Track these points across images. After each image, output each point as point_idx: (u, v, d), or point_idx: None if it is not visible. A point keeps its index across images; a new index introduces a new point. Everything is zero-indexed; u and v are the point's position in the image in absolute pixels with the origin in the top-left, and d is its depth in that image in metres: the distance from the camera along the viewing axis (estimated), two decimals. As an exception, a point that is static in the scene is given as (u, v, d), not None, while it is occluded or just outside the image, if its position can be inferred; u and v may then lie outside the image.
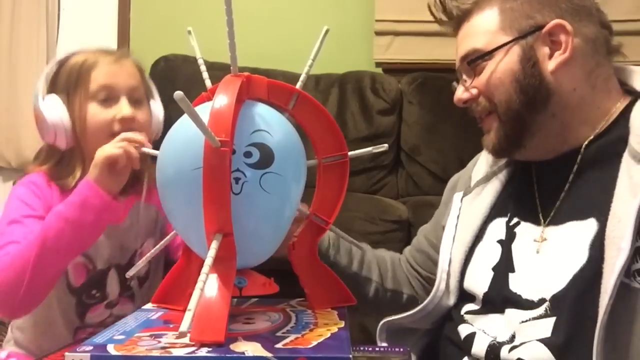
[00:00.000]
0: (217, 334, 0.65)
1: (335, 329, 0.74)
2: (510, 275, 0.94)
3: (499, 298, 0.94)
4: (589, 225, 0.87)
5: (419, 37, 2.49)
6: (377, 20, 2.50)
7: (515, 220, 1.00)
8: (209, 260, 0.67)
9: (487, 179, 1.09)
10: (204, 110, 0.72)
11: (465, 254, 1.04)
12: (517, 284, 0.93)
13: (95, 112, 1.17)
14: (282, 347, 0.65)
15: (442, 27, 1.06)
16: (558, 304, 0.85)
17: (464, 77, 1.01)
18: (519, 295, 0.91)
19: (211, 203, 0.68)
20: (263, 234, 0.77)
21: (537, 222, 0.96)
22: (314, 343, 0.67)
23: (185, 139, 0.74)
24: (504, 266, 0.96)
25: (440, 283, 1.05)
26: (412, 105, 2.34)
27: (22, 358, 1.21)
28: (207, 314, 0.67)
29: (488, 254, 1.00)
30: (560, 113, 0.94)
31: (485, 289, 0.97)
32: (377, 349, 0.90)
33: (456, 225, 1.09)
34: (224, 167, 0.68)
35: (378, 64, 2.55)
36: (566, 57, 0.93)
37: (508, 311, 0.91)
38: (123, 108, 1.18)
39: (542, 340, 0.84)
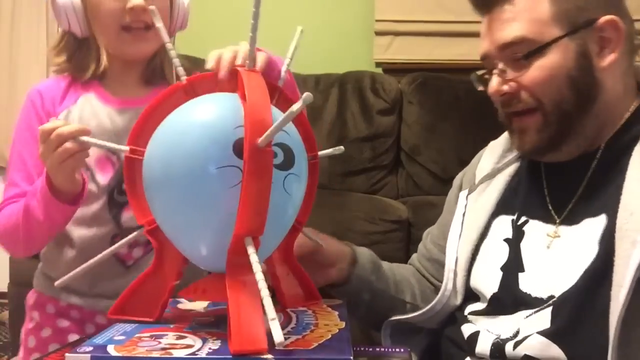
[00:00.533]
0: (259, 342, 0.64)
1: (335, 330, 0.74)
2: (520, 275, 0.92)
3: (510, 299, 0.92)
4: (599, 221, 0.86)
5: (419, 37, 2.50)
6: (377, 20, 2.51)
7: (523, 218, 0.97)
8: (257, 266, 0.64)
9: (492, 175, 1.06)
10: (207, 103, 0.72)
11: (472, 252, 1.02)
12: (526, 283, 0.91)
13: (102, 1, 1.08)
14: (282, 348, 0.64)
15: (472, 4, 0.97)
16: (565, 298, 0.84)
17: (501, 66, 0.93)
18: (529, 295, 0.89)
19: (249, 205, 0.66)
20: (273, 236, 0.75)
21: (548, 220, 0.94)
22: (315, 345, 0.66)
23: (203, 135, 0.69)
24: (514, 266, 0.94)
25: (447, 283, 1.02)
26: (412, 105, 2.34)
27: (46, 303, 1.14)
28: (243, 323, 0.65)
29: (495, 252, 0.98)
30: (602, 113, 0.90)
31: (495, 290, 0.95)
32: (377, 349, 0.90)
33: (462, 223, 1.06)
34: (267, 167, 0.66)
35: (378, 64, 2.56)
36: (616, 55, 0.89)
37: (518, 312, 0.89)
38: None
39: (541, 332, 0.83)
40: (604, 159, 0.91)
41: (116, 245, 0.86)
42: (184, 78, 0.81)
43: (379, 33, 2.52)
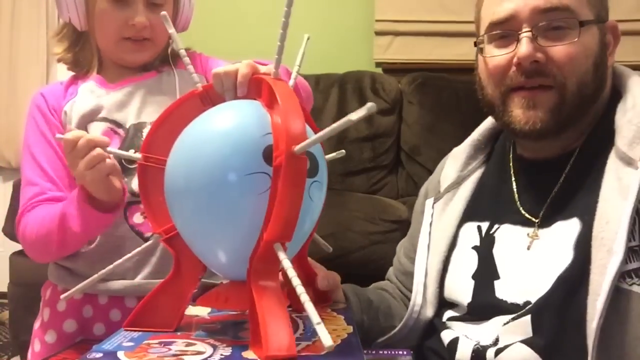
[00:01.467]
0: (289, 347, 0.63)
1: (344, 335, 0.74)
2: (496, 282, 0.90)
3: (486, 307, 0.90)
4: (573, 225, 0.85)
5: (419, 37, 2.51)
6: (377, 20, 2.51)
7: (494, 225, 0.95)
8: (293, 272, 0.64)
9: (457, 183, 1.04)
10: (230, 110, 0.72)
11: (442, 263, 0.99)
12: (502, 290, 0.89)
13: (105, 11, 1.08)
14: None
15: None
16: (542, 305, 0.83)
17: (532, 31, 0.86)
18: (505, 301, 0.88)
19: (282, 211, 0.65)
20: (295, 243, 0.73)
21: (521, 223, 0.92)
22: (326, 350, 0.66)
23: (228, 142, 0.69)
24: (486, 273, 0.92)
25: (416, 296, 0.99)
26: (412, 105, 2.34)
27: (59, 298, 1.09)
28: (273, 330, 0.64)
29: (464, 261, 0.96)
30: (595, 110, 0.90)
31: (469, 299, 0.93)
32: (380, 352, 0.90)
33: (429, 233, 1.04)
34: (303, 174, 0.66)
35: (378, 64, 2.56)
36: (613, 59, 0.90)
37: (495, 319, 0.88)
38: (137, 14, 1.07)
39: (525, 341, 0.83)
40: (578, 161, 0.90)
41: (133, 253, 0.85)
42: (199, 85, 0.81)
43: (379, 33, 2.52)
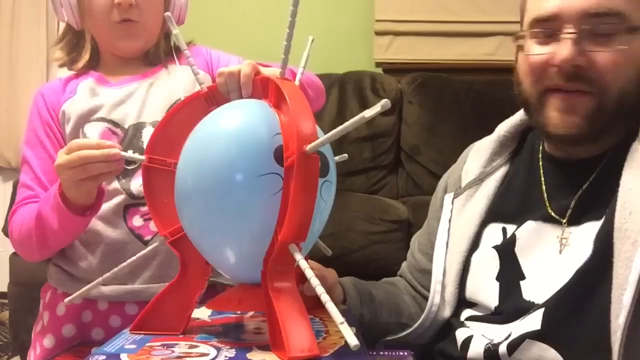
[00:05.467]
0: (311, 347, 0.64)
1: (348, 336, 0.74)
2: (522, 283, 0.88)
3: (514, 311, 0.87)
4: (600, 222, 0.82)
5: (419, 37, 2.51)
6: (377, 20, 2.52)
7: (516, 223, 0.92)
8: (310, 272, 0.63)
9: (479, 180, 1.00)
10: (238, 111, 0.72)
11: (462, 264, 0.97)
12: (530, 291, 0.87)
13: None
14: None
15: None
16: (558, 298, 0.81)
17: (576, 34, 0.81)
18: (532, 302, 0.85)
19: (296, 212, 0.65)
20: (306, 243, 0.73)
21: (543, 219, 0.89)
22: (331, 351, 0.66)
23: (239, 143, 0.69)
24: (511, 274, 0.90)
25: (434, 296, 0.97)
26: (412, 105, 2.34)
27: (58, 302, 1.10)
28: (295, 330, 0.64)
29: (486, 262, 0.94)
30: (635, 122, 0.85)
31: (496, 303, 0.90)
32: (381, 353, 0.90)
33: (448, 229, 1.01)
34: (315, 174, 0.66)
35: (378, 64, 2.56)
36: None
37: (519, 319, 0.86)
38: None
39: (532, 335, 0.81)
40: (611, 160, 0.86)
41: (137, 255, 0.85)
42: (204, 86, 0.81)
43: (379, 33, 2.52)
